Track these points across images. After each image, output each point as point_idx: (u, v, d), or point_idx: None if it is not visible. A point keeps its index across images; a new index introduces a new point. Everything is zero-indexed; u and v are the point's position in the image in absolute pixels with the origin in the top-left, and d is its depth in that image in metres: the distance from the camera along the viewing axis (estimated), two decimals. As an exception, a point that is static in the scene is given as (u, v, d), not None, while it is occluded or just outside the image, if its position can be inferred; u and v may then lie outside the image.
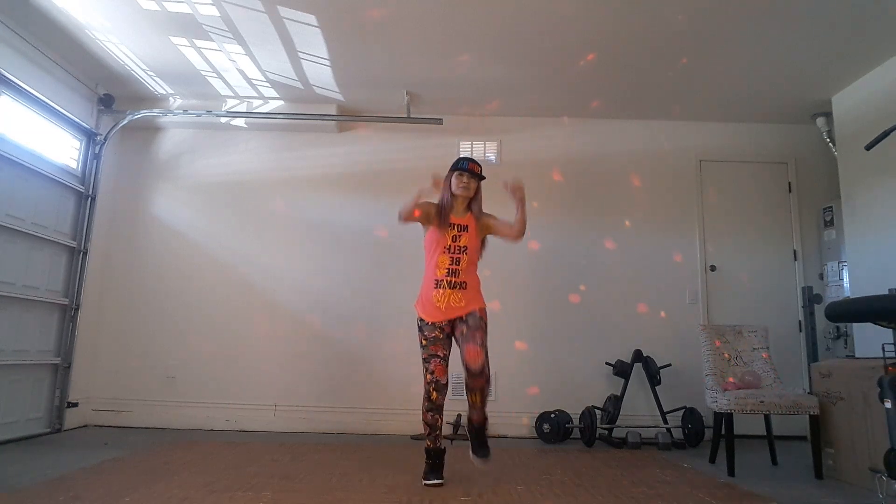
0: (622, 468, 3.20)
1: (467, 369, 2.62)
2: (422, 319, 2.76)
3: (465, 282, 2.74)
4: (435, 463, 2.73)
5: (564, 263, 4.51)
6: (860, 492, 2.75)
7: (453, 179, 2.82)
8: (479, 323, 2.68)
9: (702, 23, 3.33)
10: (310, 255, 4.50)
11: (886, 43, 3.51)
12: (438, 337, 2.72)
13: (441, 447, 2.77)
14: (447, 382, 2.74)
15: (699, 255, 4.55)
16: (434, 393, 2.69)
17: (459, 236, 2.77)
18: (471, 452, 2.74)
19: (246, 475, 2.80)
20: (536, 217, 4.51)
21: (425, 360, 2.72)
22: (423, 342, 2.74)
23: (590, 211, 4.60)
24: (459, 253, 2.75)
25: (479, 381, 2.61)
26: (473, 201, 2.85)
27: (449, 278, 2.73)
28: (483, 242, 2.87)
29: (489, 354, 2.66)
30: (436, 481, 2.67)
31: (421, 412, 2.73)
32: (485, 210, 2.89)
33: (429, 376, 2.70)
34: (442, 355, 2.72)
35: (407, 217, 2.75)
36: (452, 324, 2.74)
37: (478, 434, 2.74)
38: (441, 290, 2.72)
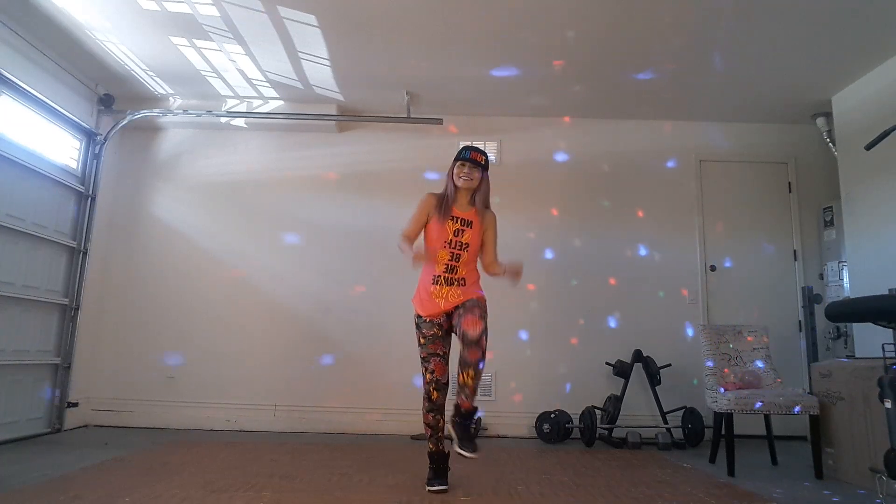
0: (622, 468, 3.20)
1: (464, 338, 2.45)
2: (419, 316, 2.69)
3: (463, 278, 2.67)
4: (439, 467, 2.66)
5: (564, 263, 4.50)
6: (860, 492, 2.75)
7: (455, 169, 2.71)
8: (476, 303, 2.57)
9: (702, 23, 3.33)
10: (310, 254, 4.50)
11: (886, 43, 3.51)
12: (437, 334, 2.65)
13: (444, 451, 2.68)
14: (448, 381, 2.65)
15: (699, 255, 4.55)
16: (435, 393, 2.62)
17: (462, 231, 2.67)
18: (455, 446, 2.47)
19: (246, 475, 2.80)
20: (536, 217, 4.54)
21: (424, 360, 2.65)
22: (422, 340, 2.66)
23: (590, 211, 4.60)
24: (460, 249, 2.66)
25: (474, 353, 2.43)
26: (478, 193, 2.72)
27: (447, 275, 2.64)
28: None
29: (489, 345, 2.53)
30: (440, 487, 2.59)
31: (422, 413, 2.66)
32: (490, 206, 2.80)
33: (428, 376, 2.63)
34: (441, 353, 2.65)
35: (409, 240, 2.62)
36: (450, 317, 2.66)
37: (463, 422, 2.49)
38: (438, 287, 2.64)
